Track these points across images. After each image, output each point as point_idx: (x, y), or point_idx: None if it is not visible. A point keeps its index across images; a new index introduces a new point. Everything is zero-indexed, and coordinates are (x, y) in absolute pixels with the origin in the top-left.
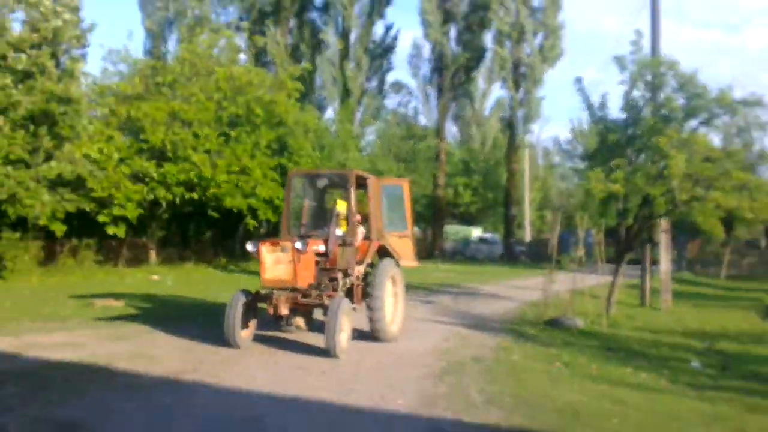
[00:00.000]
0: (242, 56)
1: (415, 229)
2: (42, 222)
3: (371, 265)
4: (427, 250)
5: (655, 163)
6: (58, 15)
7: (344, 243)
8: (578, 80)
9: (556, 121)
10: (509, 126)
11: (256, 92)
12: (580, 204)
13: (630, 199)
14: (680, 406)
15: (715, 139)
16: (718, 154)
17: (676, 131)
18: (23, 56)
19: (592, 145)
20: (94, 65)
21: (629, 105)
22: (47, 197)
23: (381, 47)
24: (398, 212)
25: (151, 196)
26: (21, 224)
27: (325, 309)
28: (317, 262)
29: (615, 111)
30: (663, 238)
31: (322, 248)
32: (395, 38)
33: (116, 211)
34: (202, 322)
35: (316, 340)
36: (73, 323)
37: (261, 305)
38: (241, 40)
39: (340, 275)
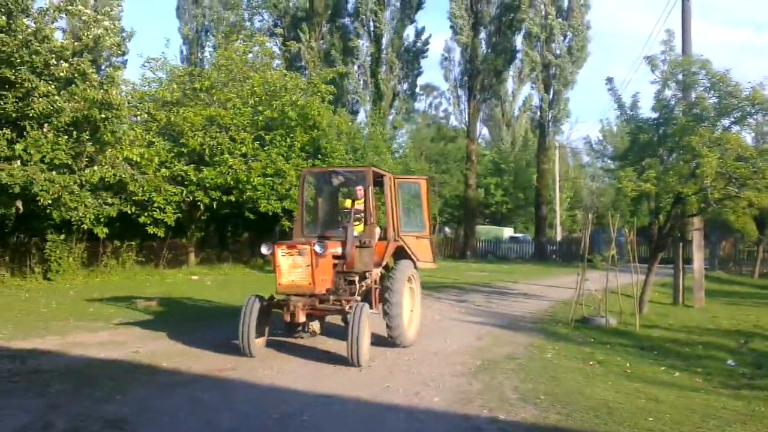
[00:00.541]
0: (276, 61)
1: (447, 229)
2: (86, 225)
3: (386, 267)
4: (459, 250)
5: (687, 163)
6: (99, 23)
7: (361, 244)
8: (609, 80)
9: (584, 120)
10: (539, 126)
11: (290, 96)
12: (611, 203)
13: (662, 198)
14: (715, 404)
15: (748, 138)
16: (751, 153)
17: (708, 130)
18: (65, 64)
19: (623, 144)
20: (133, 72)
21: (661, 104)
22: (90, 201)
23: (412, 51)
24: (416, 211)
25: (190, 199)
26: (66, 227)
27: (344, 315)
28: (334, 265)
29: (646, 110)
30: (695, 237)
31: (339, 250)
32: (427, 42)
33: (156, 214)
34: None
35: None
36: (116, 322)
37: (276, 310)
38: (275, 45)
39: (356, 279)
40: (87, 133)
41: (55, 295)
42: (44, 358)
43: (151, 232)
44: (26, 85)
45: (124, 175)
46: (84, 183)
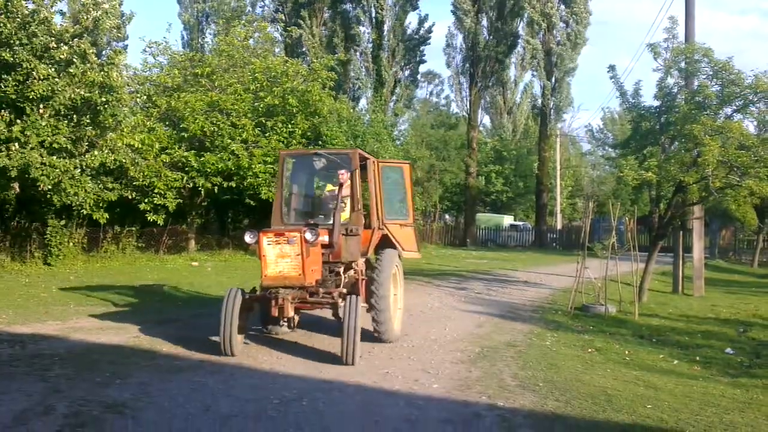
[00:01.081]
0: (277, 48)
1: (447, 216)
2: (86, 210)
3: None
4: (459, 238)
5: (689, 151)
6: (98, 5)
7: (348, 232)
8: (612, 68)
9: (586, 109)
10: (541, 114)
11: (291, 83)
12: (611, 191)
13: (663, 186)
14: (714, 391)
15: (750, 126)
16: (753, 141)
17: (711, 119)
18: (65, 47)
19: (624, 133)
20: (134, 58)
21: (663, 92)
22: (90, 186)
23: (415, 38)
24: (399, 198)
25: (191, 185)
26: (66, 212)
27: (335, 309)
28: (322, 255)
29: (648, 98)
30: (696, 226)
31: (326, 239)
32: (429, 30)
33: (157, 200)
34: None
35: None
36: (117, 307)
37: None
38: (276, 31)
39: (342, 269)
40: (87, 117)
41: (56, 280)
42: (45, 343)
43: (151, 220)
44: (25, 66)
45: (124, 160)
46: (84, 168)
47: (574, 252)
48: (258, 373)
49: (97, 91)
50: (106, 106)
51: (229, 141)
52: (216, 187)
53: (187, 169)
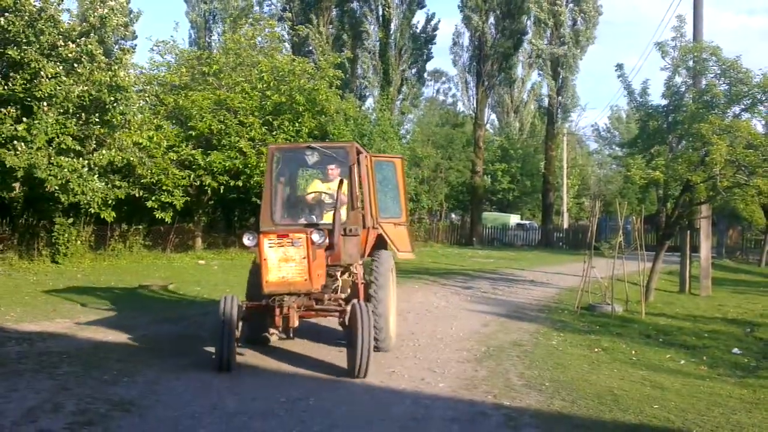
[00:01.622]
0: (284, 45)
1: (453, 215)
2: (93, 210)
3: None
4: (466, 237)
5: (697, 150)
6: (105, 3)
7: (347, 233)
8: (619, 67)
9: (594, 107)
10: (547, 113)
11: (298, 81)
12: (618, 190)
13: (670, 185)
14: (721, 392)
15: (758, 125)
16: (761, 141)
17: (719, 117)
18: (72, 45)
19: (630, 132)
20: (142, 57)
21: (671, 91)
22: (98, 184)
23: (421, 36)
24: (391, 195)
25: (197, 183)
26: (73, 210)
27: (343, 317)
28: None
29: (656, 97)
30: (703, 225)
31: (327, 240)
32: (435, 28)
33: (164, 198)
34: None
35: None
36: (124, 305)
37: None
38: (283, 30)
39: (339, 273)
40: (96, 115)
41: (63, 278)
42: (53, 341)
43: (159, 217)
44: (33, 66)
45: (132, 158)
46: (93, 166)
47: (581, 251)
48: (265, 372)
49: (105, 90)
50: (114, 104)
51: (237, 139)
52: (222, 186)
53: (194, 167)
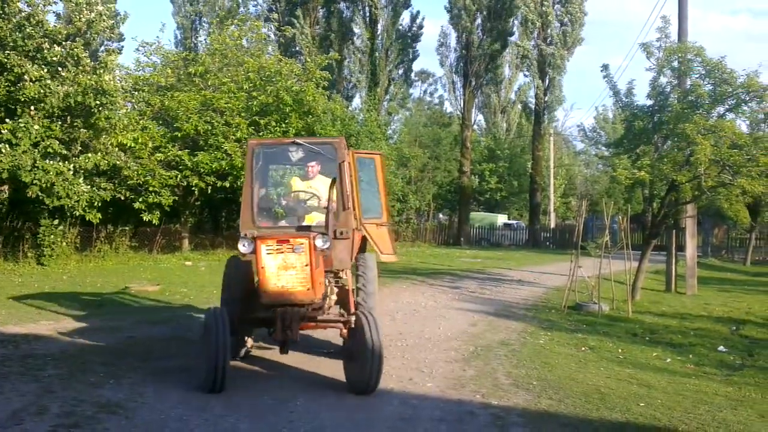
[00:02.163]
0: (270, 47)
1: (440, 215)
2: (78, 212)
3: None
4: (453, 237)
5: (682, 150)
6: (92, 6)
7: (336, 236)
8: (605, 67)
9: (580, 107)
10: (534, 113)
11: (285, 82)
12: (605, 190)
13: (656, 185)
14: (707, 389)
15: (743, 125)
16: (745, 140)
17: (703, 118)
18: (57, 48)
19: (616, 132)
20: (128, 57)
21: (656, 92)
22: (84, 187)
23: (407, 36)
24: (371, 194)
25: (184, 184)
26: (59, 211)
27: (347, 328)
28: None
29: (641, 98)
30: (689, 224)
31: (330, 245)
32: (421, 27)
33: (151, 199)
34: None
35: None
36: (110, 307)
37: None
38: (270, 31)
39: (329, 278)
40: (81, 119)
41: (49, 280)
42: (37, 343)
43: (146, 219)
44: (16, 70)
45: (117, 162)
46: (78, 169)
47: (568, 251)
48: (253, 373)
49: (91, 94)
50: (100, 108)
51: (223, 140)
52: (210, 187)
53: (180, 168)
